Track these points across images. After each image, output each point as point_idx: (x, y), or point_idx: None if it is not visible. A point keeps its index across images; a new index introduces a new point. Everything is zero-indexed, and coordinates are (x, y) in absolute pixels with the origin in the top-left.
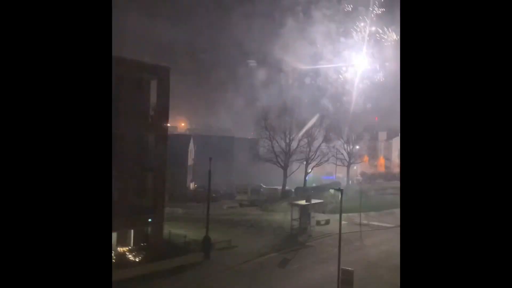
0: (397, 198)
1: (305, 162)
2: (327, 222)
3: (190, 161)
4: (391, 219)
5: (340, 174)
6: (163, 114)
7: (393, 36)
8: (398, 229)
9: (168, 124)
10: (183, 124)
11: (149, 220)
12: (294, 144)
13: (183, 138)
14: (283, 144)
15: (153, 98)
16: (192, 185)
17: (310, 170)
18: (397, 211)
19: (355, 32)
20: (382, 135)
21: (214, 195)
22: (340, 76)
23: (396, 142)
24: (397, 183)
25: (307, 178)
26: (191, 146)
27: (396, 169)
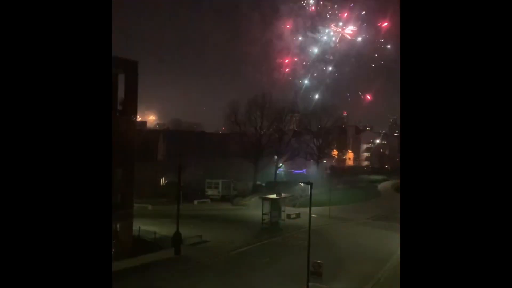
0: (364, 192)
1: (275, 157)
2: (298, 215)
3: (160, 157)
4: (359, 212)
5: (310, 168)
6: (131, 109)
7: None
8: (367, 221)
9: (138, 119)
10: (153, 118)
11: None
12: (264, 139)
13: (153, 133)
14: (253, 139)
15: (120, 92)
16: (162, 181)
17: (280, 165)
18: (364, 204)
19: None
20: (351, 130)
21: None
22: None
23: (363, 137)
24: (364, 177)
25: (277, 172)
26: (161, 141)
27: (363, 163)
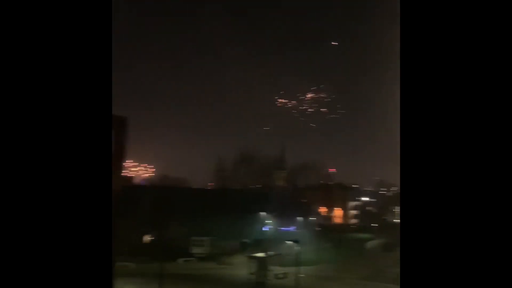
0: (351, 250)
1: (263, 213)
2: (285, 275)
3: (144, 213)
4: (347, 272)
5: (298, 226)
6: (119, 166)
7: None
8: (354, 281)
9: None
10: (140, 173)
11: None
12: (251, 195)
13: (138, 189)
14: (240, 195)
15: None
16: (146, 238)
17: (268, 222)
18: (352, 263)
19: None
20: (338, 187)
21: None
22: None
23: (351, 194)
24: (352, 235)
25: (265, 229)
26: (147, 197)
27: (352, 221)
